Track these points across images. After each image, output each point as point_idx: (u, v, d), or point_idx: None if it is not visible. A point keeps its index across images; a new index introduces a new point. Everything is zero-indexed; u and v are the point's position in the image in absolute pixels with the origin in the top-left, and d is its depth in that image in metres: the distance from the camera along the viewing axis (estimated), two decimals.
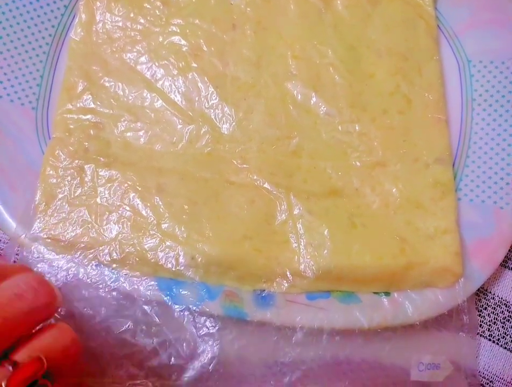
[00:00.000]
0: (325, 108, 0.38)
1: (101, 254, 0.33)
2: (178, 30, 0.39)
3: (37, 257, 0.32)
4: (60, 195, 0.34)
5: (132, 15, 0.39)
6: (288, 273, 0.34)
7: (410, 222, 0.37)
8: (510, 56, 0.41)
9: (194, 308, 0.32)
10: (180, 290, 0.33)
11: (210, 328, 0.32)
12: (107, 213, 0.34)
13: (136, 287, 0.32)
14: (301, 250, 0.34)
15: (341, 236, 0.35)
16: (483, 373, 0.38)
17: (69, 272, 0.31)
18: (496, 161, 0.39)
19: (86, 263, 0.32)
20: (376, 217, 0.37)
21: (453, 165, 0.39)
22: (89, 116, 0.36)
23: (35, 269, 0.32)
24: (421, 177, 0.38)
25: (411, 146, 0.39)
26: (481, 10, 0.42)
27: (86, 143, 0.36)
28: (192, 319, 0.32)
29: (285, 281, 0.34)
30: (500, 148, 0.40)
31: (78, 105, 0.37)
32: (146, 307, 0.32)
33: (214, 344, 0.31)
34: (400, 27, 0.41)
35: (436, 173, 0.38)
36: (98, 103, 0.37)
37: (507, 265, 0.40)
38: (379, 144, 0.38)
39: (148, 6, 0.39)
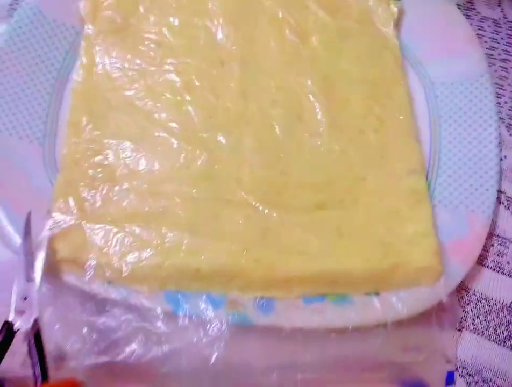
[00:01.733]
0: (307, 132, 0.42)
1: (109, 272, 0.35)
2: (172, 68, 0.43)
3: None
4: (70, 220, 0.36)
5: (128, 56, 0.43)
6: (285, 280, 0.37)
7: (390, 228, 0.40)
8: (467, 77, 0.46)
9: (200, 317, 0.35)
10: (187, 301, 0.35)
11: (215, 334, 0.34)
12: (114, 234, 0.36)
13: (145, 301, 0.35)
14: (295, 258, 0.37)
15: (330, 244, 0.39)
16: (472, 364, 0.40)
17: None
18: (464, 170, 0.43)
19: (97, 282, 0.35)
20: (360, 226, 0.40)
21: (427, 175, 0.43)
22: (93, 146, 0.40)
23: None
24: (398, 188, 0.41)
25: (387, 161, 0.42)
26: (438, 40, 0.48)
27: (92, 171, 0.39)
28: (198, 327, 0.34)
29: (283, 287, 0.37)
30: (467, 158, 0.44)
31: (83, 137, 0.40)
32: (155, 319, 0.34)
33: (220, 348, 0.33)
34: (369, 58, 0.46)
35: (411, 183, 0.42)
36: (101, 134, 0.40)
37: (483, 263, 0.43)
38: (357, 161, 0.42)
39: (143, 49, 0.44)
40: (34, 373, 0.31)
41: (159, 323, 0.34)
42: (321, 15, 0.47)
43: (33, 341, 0.32)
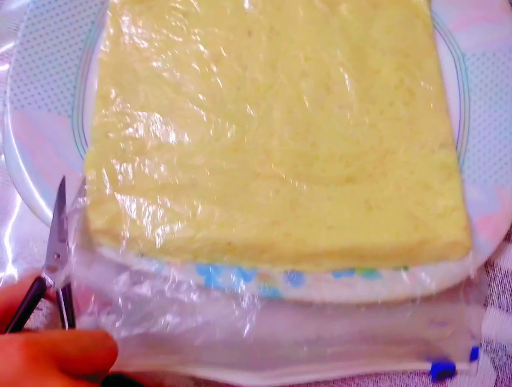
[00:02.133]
0: (337, 104, 0.42)
1: (142, 245, 0.36)
2: (199, 39, 0.42)
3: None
4: (103, 191, 0.37)
5: (155, 26, 0.42)
6: (314, 253, 0.37)
7: (421, 202, 0.40)
8: (500, 47, 0.45)
9: (231, 290, 0.35)
10: (218, 274, 0.36)
11: (247, 307, 0.35)
12: (146, 206, 0.37)
13: (177, 273, 0.35)
14: (325, 232, 0.38)
15: (359, 218, 0.39)
16: (496, 340, 0.41)
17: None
18: (494, 144, 0.43)
19: (131, 254, 0.35)
20: (390, 199, 0.40)
21: (456, 149, 0.43)
22: (123, 119, 0.40)
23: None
24: (428, 161, 0.41)
25: (417, 134, 0.42)
26: (470, 8, 0.46)
27: (123, 144, 0.39)
28: (230, 300, 0.35)
29: (313, 261, 0.37)
30: (498, 131, 0.43)
31: (113, 110, 0.40)
32: (188, 291, 0.35)
33: (253, 321, 0.34)
34: (400, 27, 0.45)
35: (442, 157, 0.41)
36: (130, 106, 0.40)
37: (510, 239, 0.43)
38: (388, 134, 0.42)
39: (170, 18, 0.43)
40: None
41: (192, 295, 0.35)
42: None
43: (62, 295, 0.33)
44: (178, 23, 0.43)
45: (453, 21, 0.47)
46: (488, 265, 0.42)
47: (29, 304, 0.32)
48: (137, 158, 0.38)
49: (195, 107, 0.40)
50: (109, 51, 0.41)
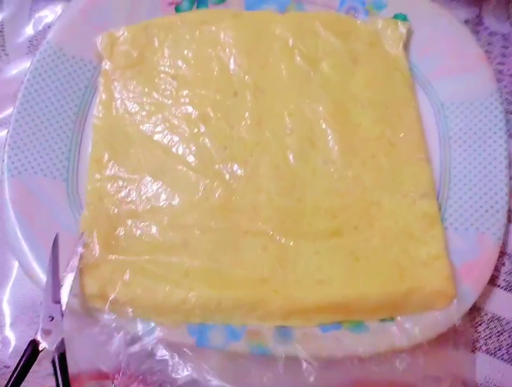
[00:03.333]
0: (321, 158, 0.44)
1: (135, 307, 0.37)
2: (188, 101, 0.44)
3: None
4: (96, 255, 0.38)
5: (146, 90, 0.45)
6: (303, 309, 0.38)
7: (405, 251, 0.41)
8: (477, 96, 0.47)
9: (222, 349, 0.36)
10: (209, 333, 0.37)
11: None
12: (138, 269, 0.38)
13: (169, 334, 0.36)
14: (313, 287, 0.39)
15: (347, 270, 0.40)
16: (485, 385, 0.41)
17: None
18: (474, 191, 0.44)
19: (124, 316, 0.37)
20: (376, 249, 0.41)
21: (437, 197, 0.44)
22: (116, 183, 0.41)
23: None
24: (411, 211, 0.43)
25: (399, 184, 0.44)
26: (448, 59, 0.49)
27: (116, 208, 0.40)
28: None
29: (302, 316, 0.38)
30: (477, 179, 0.45)
31: (106, 174, 0.42)
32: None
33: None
34: (379, 80, 0.47)
35: (423, 206, 0.43)
36: (123, 170, 0.42)
37: (494, 283, 0.44)
38: (371, 185, 0.43)
39: (160, 82, 0.45)
40: None
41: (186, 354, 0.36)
42: (331, 40, 0.47)
43: (58, 360, 0.33)
44: (167, 86, 0.45)
45: (431, 71, 0.49)
46: (474, 310, 0.43)
47: (22, 368, 0.33)
48: (130, 221, 0.40)
49: (184, 168, 0.42)
50: (102, 116, 0.44)
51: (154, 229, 0.40)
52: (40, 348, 0.34)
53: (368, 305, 0.39)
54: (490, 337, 0.43)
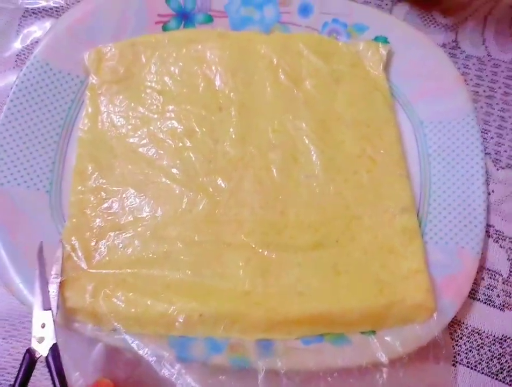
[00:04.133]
0: (303, 173, 0.44)
1: (116, 320, 0.37)
2: (173, 116, 0.45)
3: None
4: (78, 268, 0.38)
5: (132, 105, 0.45)
6: (285, 321, 0.38)
7: (386, 265, 0.42)
8: (454, 116, 0.49)
9: (203, 361, 0.36)
10: (190, 346, 0.37)
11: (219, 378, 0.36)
12: (119, 281, 0.38)
13: (149, 345, 0.36)
14: (294, 300, 0.39)
15: (328, 283, 0.40)
16: None
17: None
18: (453, 206, 0.45)
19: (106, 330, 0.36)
20: (357, 264, 0.42)
21: (418, 212, 0.45)
22: (99, 195, 0.41)
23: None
24: (391, 226, 0.43)
25: (380, 200, 0.44)
26: (427, 80, 0.50)
27: (98, 220, 0.40)
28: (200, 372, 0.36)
29: (283, 329, 0.38)
30: (456, 194, 0.46)
31: (89, 186, 0.42)
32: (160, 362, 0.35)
33: None
34: (361, 100, 0.49)
35: (403, 221, 0.44)
36: (107, 182, 0.42)
37: (474, 297, 0.45)
38: (353, 200, 0.44)
39: (146, 97, 0.46)
40: None
41: (166, 368, 0.35)
42: (314, 61, 0.49)
43: (52, 361, 0.34)
44: (153, 101, 0.46)
45: (411, 92, 0.51)
46: (454, 323, 0.44)
47: (22, 378, 0.33)
48: (112, 233, 0.40)
49: (168, 181, 0.42)
50: (87, 129, 0.44)
51: (136, 242, 0.40)
52: (37, 356, 0.34)
53: (348, 318, 0.39)
54: (470, 350, 0.43)
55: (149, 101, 0.46)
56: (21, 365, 0.33)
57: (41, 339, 0.34)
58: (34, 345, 0.34)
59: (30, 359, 0.34)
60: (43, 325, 0.35)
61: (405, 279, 0.41)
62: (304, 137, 0.46)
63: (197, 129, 0.45)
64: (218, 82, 0.47)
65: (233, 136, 0.45)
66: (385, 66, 0.50)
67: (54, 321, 0.35)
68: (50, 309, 0.35)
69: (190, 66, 0.47)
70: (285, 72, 0.48)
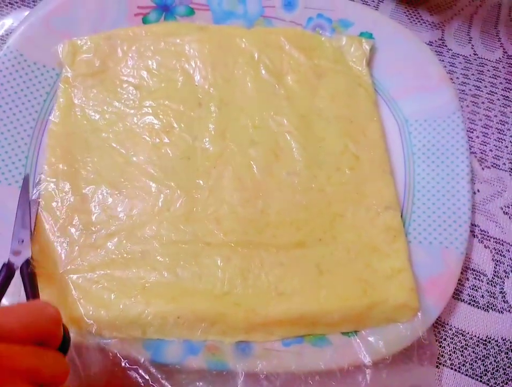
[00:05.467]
0: (285, 170, 0.43)
1: (90, 322, 0.35)
2: (150, 111, 0.44)
3: None
4: (50, 269, 0.36)
5: (108, 99, 0.44)
6: (265, 322, 0.37)
7: (369, 265, 0.41)
8: (439, 114, 0.48)
9: (179, 364, 0.35)
10: (165, 348, 0.35)
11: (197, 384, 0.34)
12: (93, 283, 0.37)
13: (123, 347, 0.35)
14: (275, 300, 0.38)
15: (310, 283, 0.39)
16: None
17: None
18: (438, 206, 0.45)
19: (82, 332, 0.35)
20: (340, 263, 0.41)
21: (402, 211, 0.45)
22: (71, 191, 0.40)
23: None
24: (375, 224, 0.42)
25: (363, 197, 0.44)
26: (411, 78, 0.50)
27: (75, 217, 0.39)
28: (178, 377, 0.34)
29: (264, 330, 0.37)
30: (441, 194, 0.45)
31: (60, 180, 0.40)
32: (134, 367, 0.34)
33: None
34: (343, 95, 0.48)
35: (387, 219, 0.43)
36: (80, 178, 0.40)
37: (459, 297, 0.44)
38: (335, 198, 0.43)
39: (122, 91, 0.44)
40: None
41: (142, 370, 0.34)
42: (295, 56, 0.48)
43: (27, 273, 0.35)
44: (130, 95, 0.44)
45: (396, 89, 0.50)
46: (438, 324, 0.43)
47: (0, 288, 0.34)
48: (84, 232, 0.38)
49: (144, 178, 0.41)
50: (59, 122, 0.42)
51: (109, 242, 0.38)
52: (15, 267, 0.36)
53: (330, 319, 0.38)
54: (454, 352, 0.42)
55: (126, 95, 0.44)
56: None
57: (17, 253, 0.36)
58: (11, 258, 0.36)
59: (7, 271, 0.35)
60: (21, 241, 0.37)
61: (388, 279, 0.40)
62: (286, 133, 0.45)
63: (175, 125, 0.43)
64: (197, 77, 0.46)
65: (213, 132, 0.44)
66: (368, 62, 0.50)
67: (30, 237, 0.37)
68: (28, 228, 0.37)
69: (168, 60, 0.46)
70: (266, 67, 0.47)
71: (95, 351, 0.35)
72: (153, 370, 0.34)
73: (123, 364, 0.34)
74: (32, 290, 0.35)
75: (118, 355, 0.34)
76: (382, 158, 0.45)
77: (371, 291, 0.40)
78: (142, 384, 0.33)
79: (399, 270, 0.41)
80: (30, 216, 0.38)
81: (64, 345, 0.29)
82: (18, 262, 0.36)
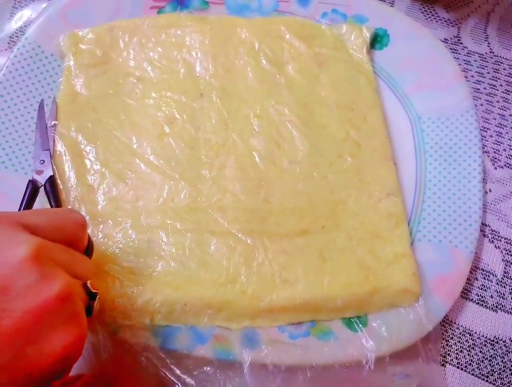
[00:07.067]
0: (287, 159, 0.43)
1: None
2: (153, 103, 0.44)
3: None
4: None
5: (110, 91, 0.44)
6: (270, 309, 0.38)
7: (371, 251, 0.41)
8: (453, 112, 0.47)
9: (187, 352, 0.35)
10: (174, 336, 0.36)
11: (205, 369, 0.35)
12: (101, 271, 0.37)
13: (133, 335, 0.35)
14: (279, 287, 0.38)
15: (313, 270, 0.40)
16: None
17: None
18: (448, 204, 0.44)
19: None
20: (343, 250, 0.41)
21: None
22: (78, 181, 0.41)
23: None
24: (377, 211, 0.43)
25: (365, 184, 0.44)
26: (426, 74, 0.49)
27: (82, 208, 0.40)
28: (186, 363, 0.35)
29: (269, 316, 0.38)
30: (451, 192, 0.45)
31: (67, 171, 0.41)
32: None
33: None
34: (344, 83, 0.48)
35: (389, 206, 0.43)
36: (85, 169, 0.41)
37: (467, 297, 0.44)
38: (337, 185, 0.43)
39: (124, 83, 0.45)
40: None
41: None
42: (296, 45, 0.48)
43: (51, 190, 0.39)
44: (132, 87, 0.44)
45: (409, 85, 0.49)
46: (446, 323, 0.43)
47: (27, 203, 0.38)
48: (92, 222, 0.39)
49: (148, 170, 0.41)
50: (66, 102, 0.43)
51: (116, 232, 0.39)
52: (38, 185, 0.39)
53: (333, 305, 0.39)
54: (461, 351, 0.42)
55: (128, 87, 0.44)
56: (25, 192, 0.39)
57: (40, 172, 0.40)
58: (35, 176, 0.39)
59: (33, 188, 0.39)
60: (43, 161, 0.40)
61: (390, 264, 0.41)
62: (287, 122, 0.45)
63: (178, 116, 0.44)
64: (198, 68, 0.46)
65: (214, 123, 0.44)
66: (368, 49, 0.49)
67: (50, 157, 0.41)
68: (48, 149, 0.41)
69: (169, 51, 0.46)
70: (267, 56, 0.47)
71: (105, 337, 0.35)
72: (162, 355, 0.34)
73: (133, 350, 0.35)
74: (56, 205, 0.38)
75: (128, 341, 0.35)
76: (383, 145, 0.45)
77: (374, 276, 0.40)
78: (152, 369, 0.34)
79: (401, 256, 0.41)
80: (48, 139, 0.41)
81: (88, 250, 0.32)
82: (41, 179, 0.39)
